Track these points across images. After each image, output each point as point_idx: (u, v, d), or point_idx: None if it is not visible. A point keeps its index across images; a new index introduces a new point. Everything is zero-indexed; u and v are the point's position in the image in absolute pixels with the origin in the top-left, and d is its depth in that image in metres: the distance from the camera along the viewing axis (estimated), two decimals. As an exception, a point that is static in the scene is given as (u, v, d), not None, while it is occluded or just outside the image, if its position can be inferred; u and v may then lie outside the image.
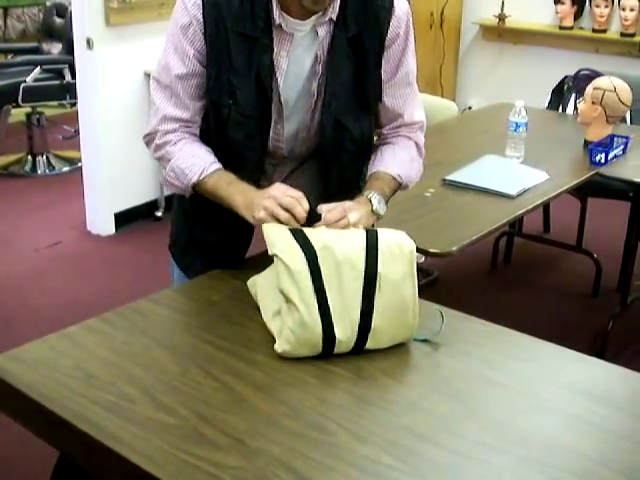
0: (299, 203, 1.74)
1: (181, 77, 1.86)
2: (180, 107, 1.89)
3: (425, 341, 1.76)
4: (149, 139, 1.96)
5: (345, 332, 1.65)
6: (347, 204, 1.82)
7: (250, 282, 1.88)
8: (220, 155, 1.91)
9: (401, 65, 1.98)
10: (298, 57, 1.88)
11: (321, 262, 1.65)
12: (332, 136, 1.94)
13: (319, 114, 1.94)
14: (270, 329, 1.73)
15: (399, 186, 2.03)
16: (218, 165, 1.88)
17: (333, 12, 1.84)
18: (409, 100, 2.03)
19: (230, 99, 1.85)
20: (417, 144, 2.09)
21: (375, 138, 2.08)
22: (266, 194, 1.76)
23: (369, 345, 1.69)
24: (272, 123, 1.91)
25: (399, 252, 1.71)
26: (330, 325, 1.64)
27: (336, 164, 1.98)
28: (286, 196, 1.74)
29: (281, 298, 1.66)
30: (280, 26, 1.83)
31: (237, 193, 1.83)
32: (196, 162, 1.87)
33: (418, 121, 2.08)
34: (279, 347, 1.66)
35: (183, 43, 1.84)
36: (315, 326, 1.63)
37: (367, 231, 1.74)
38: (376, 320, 1.67)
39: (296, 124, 1.96)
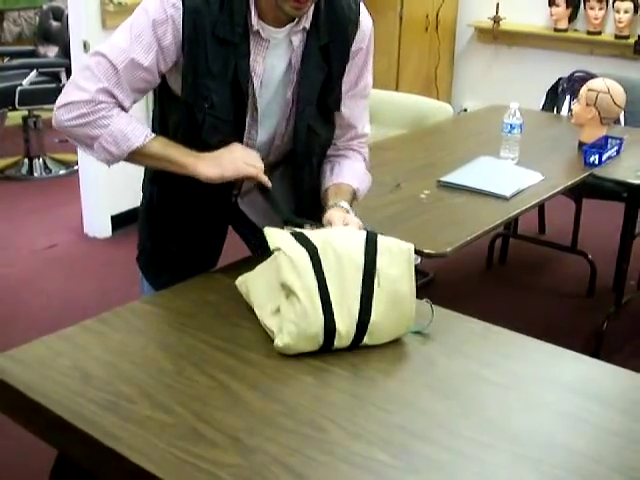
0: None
1: (135, 65, 1.81)
2: (119, 88, 1.83)
3: (417, 333, 1.79)
4: (72, 107, 1.83)
5: (345, 324, 1.68)
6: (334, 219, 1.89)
7: (239, 281, 1.89)
8: None
9: (361, 78, 2.04)
10: (272, 63, 1.91)
11: (322, 255, 1.69)
12: (305, 141, 1.99)
13: (293, 121, 1.97)
14: (267, 326, 1.74)
15: (354, 199, 2.08)
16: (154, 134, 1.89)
17: (307, 21, 1.88)
18: (364, 113, 2.11)
19: (205, 103, 1.86)
20: (365, 158, 2.16)
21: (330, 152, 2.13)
22: (236, 154, 1.87)
23: (367, 341, 1.72)
24: (246, 127, 1.94)
25: (398, 250, 1.76)
26: (331, 316, 1.67)
27: (308, 169, 2.04)
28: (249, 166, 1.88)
29: (279, 294, 1.69)
30: (258, 32, 1.85)
31: (187, 155, 1.87)
32: (137, 127, 1.85)
33: (366, 134, 2.15)
34: (280, 341, 1.67)
35: (150, 37, 1.81)
36: (317, 316, 1.65)
37: (367, 231, 1.78)
38: (375, 314, 1.70)
39: (271, 131, 1.99)
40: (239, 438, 1.42)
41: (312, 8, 1.86)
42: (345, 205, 1.96)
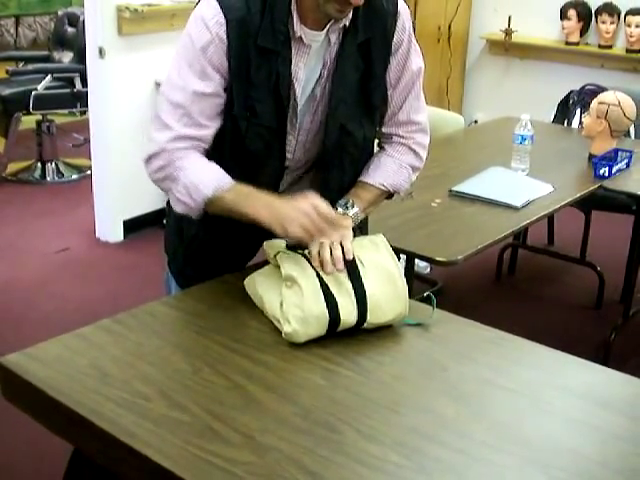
0: (332, 224, 1.79)
1: (198, 95, 1.83)
2: (192, 126, 1.85)
3: (418, 325, 1.86)
4: (153, 159, 1.89)
5: (345, 301, 1.77)
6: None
7: (248, 281, 1.94)
8: (237, 168, 1.90)
9: (406, 69, 2.01)
10: (312, 66, 1.90)
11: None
12: (336, 140, 1.96)
13: (320, 118, 1.96)
14: (274, 317, 1.80)
15: (386, 193, 2.09)
16: (230, 179, 1.85)
17: (347, 19, 1.85)
18: (409, 99, 2.05)
19: (248, 112, 1.85)
20: (413, 149, 2.09)
21: (376, 141, 2.13)
22: (299, 209, 1.77)
23: (371, 319, 1.80)
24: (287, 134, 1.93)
25: (369, 241, 1.89)
26: (331, 295, 1.76)
27: (337, 169, 2.01)
28: (318, 217, 1.77)
29: (283, 289, 1.78)
30: (300, 38, 1.84)
31: (261, 207, 1.80)
32: (210, 176, 1.85)
33: (417, 122, 2.08)
34: (289, 327, 1.74)
35: (202, 61, 1.81)
36: (319, 298, 1.75)
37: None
38: (368, 287, 1.79)
39: (302, 131, 1.97)
40: (253, 437, 1.45)
41: None
42: (337, 204, 1.97)
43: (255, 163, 1.94)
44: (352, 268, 1.81)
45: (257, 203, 1.82)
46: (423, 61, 2.06)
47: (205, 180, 1.84)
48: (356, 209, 1.99)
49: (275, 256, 1.84)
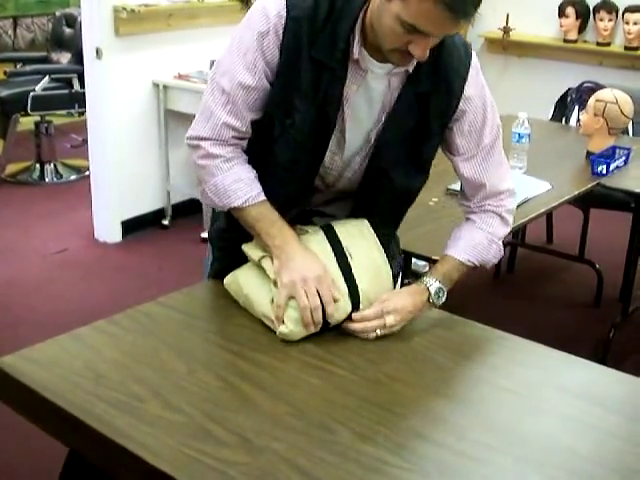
0: (320, 309, 1.76)
1: (244, 87, 1.78)
2: (236, 116, 1.81)
3: None
4: (198, 143, 1.85)
5: (339, 295, 1.79)
6: (389, 304, 1.82)
7: (229, 279, 1.93)
8: (256, 163, 1.87)
9: (481, 140, 1.92)
10: (366, 96, 1.82)
11: None
12: (372, 181, 1.91)
13: (369, 160, 1.90)
14: (267, 316, 1.80)
15: (472, 267, 2.01)
16: (263, 197, 1.84)
17: (411, 65, 1.78)
18: (491, 170, 1.96)
19: (287, 118, 1.79)
20: (502, 216, 2.02)
21: (464, 211, 2.05)
22: (308, 271, 1.77)
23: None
24: (329, 153, 1.86)
25: (352, 225, 1.90)
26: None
27: (369, 208, 1.95)
28: (316, 295, 1.75)
29: (271, 289, 1.80)
30: (357, 61, 1.76)
31: (277, 242, 1.81)
32: (242, 187, 1.83)
33: (504, 190, 2.00)
34: (285, 328, 1.75)
35: (255, 52, 1.76)
36: None
37: (322, 227, 1.90)
38: (360, 281, 1.81)
39: (349, 169, 1.92)
40: (248, 438, 1.45)
41: None
42: (430, 283, 1.91)
43: (275, 168, 1.87)
44: (344, 263, 1.82)
45: (277, 235, 1.82)
46: (499, 118, 1.98)
47: (237, 190, 1.83)
48: (444, 295, 1.95)
49: (260, 260, 1.84)
